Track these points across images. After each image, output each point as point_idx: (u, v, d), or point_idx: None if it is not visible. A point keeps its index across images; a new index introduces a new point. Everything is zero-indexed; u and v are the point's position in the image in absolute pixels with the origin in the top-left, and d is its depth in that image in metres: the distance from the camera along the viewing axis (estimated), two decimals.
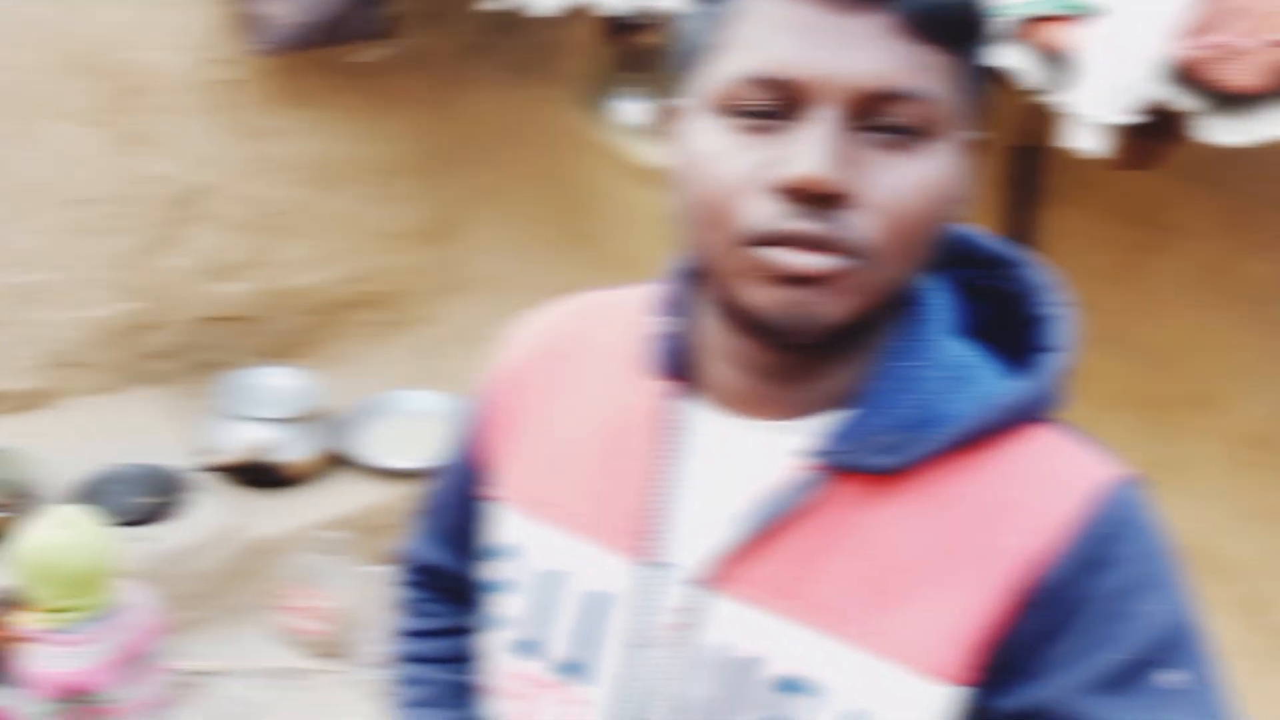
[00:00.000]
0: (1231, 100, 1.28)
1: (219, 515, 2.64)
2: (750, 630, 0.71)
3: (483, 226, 3.30)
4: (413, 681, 0.97)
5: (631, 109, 2.88)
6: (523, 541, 0.80)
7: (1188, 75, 1.28)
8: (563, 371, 0.83)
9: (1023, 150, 2.02)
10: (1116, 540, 0.67)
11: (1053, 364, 0.71)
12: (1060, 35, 1.38)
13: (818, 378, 0.71)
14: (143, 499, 2.62)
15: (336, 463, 2.87)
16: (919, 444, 0.68)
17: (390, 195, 3.18)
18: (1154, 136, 1.40)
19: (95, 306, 2.91)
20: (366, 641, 2.55)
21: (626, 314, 0.81)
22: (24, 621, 1.86)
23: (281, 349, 3.15)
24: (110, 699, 1.93)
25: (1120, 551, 0.66)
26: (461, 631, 0.94)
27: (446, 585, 0.96)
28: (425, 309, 3.35)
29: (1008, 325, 0.75)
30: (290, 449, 2.77)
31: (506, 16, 2.63)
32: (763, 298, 0.63)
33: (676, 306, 0.76)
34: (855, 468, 0.69)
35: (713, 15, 0.65)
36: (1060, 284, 0.74)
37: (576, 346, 0.84)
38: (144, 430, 2.84)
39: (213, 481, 2.72)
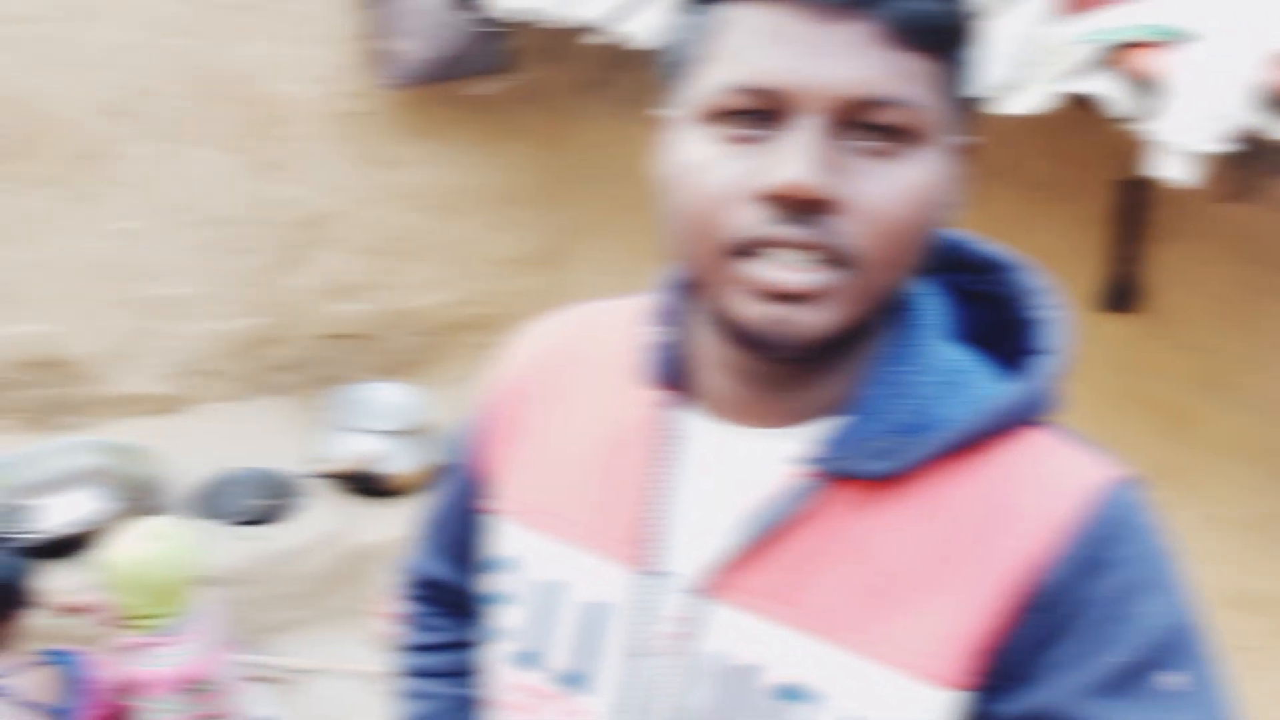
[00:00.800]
0: None
1: (326, 521, 2.76)
2: (749, 638, 0.70)
3: (590, 254, 3.39)
4: (417, 695, 0.97)
5: None
6: (522, 553, 0.80)
7: None
8: (560, 382, 0.83)
9: (1129, 184, 1.96)
10: (1114, 542, 0.65)
11: (1046, 366, 0.70)
12: (1151, 62, 1.35)
13: (811, 385, 0.70)
14: (257, 501, 2.77)
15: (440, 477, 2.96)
16: (913, 449, 0.67)
17: (504, 223, 3.31)
18: (1252, 166, 1.36)
19: (226, 320, 3.11)
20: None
21: (622, 324, 0.81)
22: (120, 632, 1.98)
23: (395, 366, 3.29)
24: (220, 685, 2.04)
25: (1118, 553, 0.65)
26: (464, 645, 0.95)
27: (449, 599, 0.97)
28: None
29: (1001, 329, 0.74)
30: (397, 461, 2.88)
31: (620, 53, 2.72)
32: (749, 312, 0.63)
33: (670, 316, 0.76)
34: (850, 474, 0.68)
35: (698, 26, 0.66)
36: (1052, 288, 0.73)
37: (573, 357, 0.84)
38: (263, 437, 3.00)
39: (323, 488, 2.86)
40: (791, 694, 0.69)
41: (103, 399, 3.03)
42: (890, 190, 0.62)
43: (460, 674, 0.95)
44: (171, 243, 2.99)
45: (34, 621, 1.86)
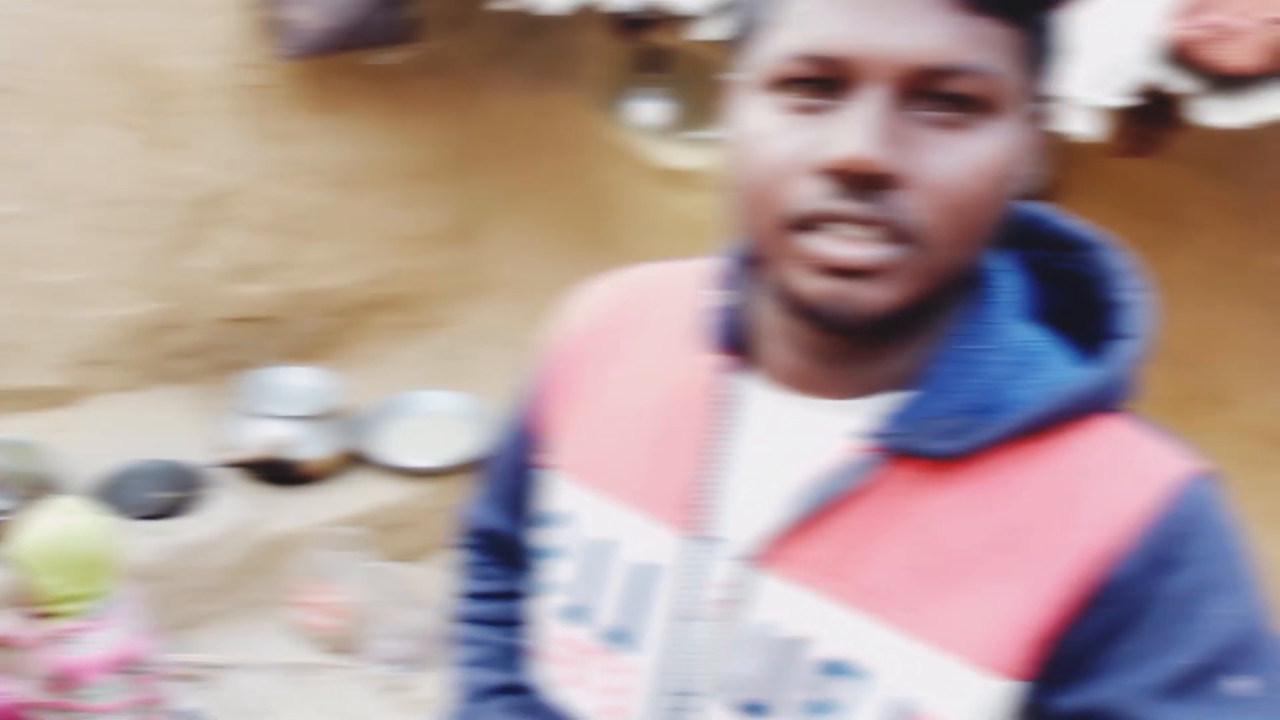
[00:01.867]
0: (1228, 81, 1.26)
1: (237, 511, 2.67)
2: (797, 611, 0.69)
3: (503, 230, 3.33)
4: (469, 642, 0.99)
5: (649, 110, 2.90)
6: (574, 509, 0.81)
7: (1182, 56, 1.27)
8: (621, 342, 0.82)
9: None
10: (1188, 539, 0.63)
11: (1126, 352, 0.67)
12: None
13: (875, 359, 0.69)
14: (162, 494, 2.66)
15: (354, 461, 2.90)
16: (980, 430, 0.65)
17: (412, 199, 3.23)
18: (1151, 121, 1.38)
19: (121, 306, 2.97)
20: (378, 638, 2.56)
21: (686, 286, 0.81)
22: (41, 620, 1.89)
23: (303, 349, 3.20)
24: (153, 666, 1.96)
25: (1191, 551, 0.63)
26: (516, 595, 0.95)
27: (503, 549, 0.97)
28: (445, 311, 3.38)
29: (1082, 310, 0.72)
30: (309, 447, 2.80)
31: (527, 21, 2.66)
32: (808, 287, 0.62)
33: (734, 281, 0.75)
34: (912, 452, 0.67)
35: None
36: (1137, 269, 0.71)
37: (636, 317, 0.83)
38: (166, 427, 2.88)
39: (232, 478, 2.76)
40: (838, 669, 0.68)
41: None
42: (958, 164, 0.59)
43: (511, 623, 0.95)
44: (59, 226, 2.84)
45: None
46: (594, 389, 0.82)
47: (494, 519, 0.98)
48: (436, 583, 2.82)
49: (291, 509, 2.74)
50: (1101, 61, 1.29)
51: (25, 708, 1.76)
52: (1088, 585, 0.63)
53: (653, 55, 2.83)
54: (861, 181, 0.59)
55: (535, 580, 0.86)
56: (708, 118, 2.79)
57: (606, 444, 0.80)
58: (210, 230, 3.02)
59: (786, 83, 0.61)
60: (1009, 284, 0.71)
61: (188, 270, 3.02)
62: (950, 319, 0.69)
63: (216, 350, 3.12)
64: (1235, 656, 0.63)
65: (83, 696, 1.82)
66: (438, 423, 3.06)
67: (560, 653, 0.82)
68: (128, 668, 1.88)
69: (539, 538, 0.85)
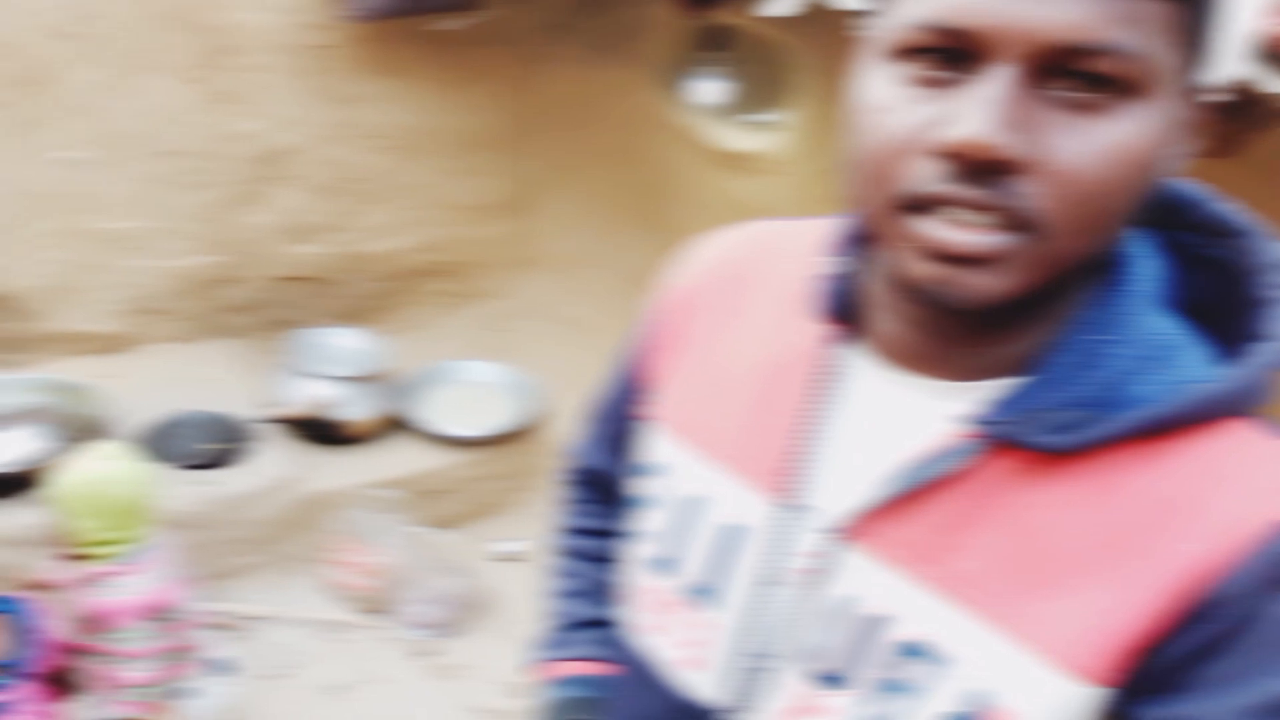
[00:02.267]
0: None
1: (278, 466, 2.70)
2: (882, 589, 0.68)
3: (556, 203, 3.32)
4: (565, 574, 1.02)
5: (709, 90, 2.87)
6: (671, 462, 0.80)
7: (1276, 54, 1.22)
8: (731, 299, 0.81)
9: None
10: None
11: (1266, 355, 0.63)
12: None
13: (989, 343, 0.66)
14: (207, 445, 2.70)
15: (395, 425, 2.92)
16: (1096, 425, 0.62)
17: (467, 168, 3.22)
18: (1238, 120, 1.33)
19: (177, 257, 3.00)
20: (409, 601, 2.58)
21: (801, 249, 0.78)
22: (78, 563, 1.92)
23: (352, 311, 3.22)
24: (184, 614, 1.99)
25: None
26: (614, 533, 0.96)
27: (604, 489, 0.99)
28: (494, 282, 3.39)
29: (1228, 304, 0.67)
30: (352, 408, 2.82)
31: None
32: (916, 270, 0.59)
33: (848, 249, 0.73)
34: (1020, 443, 0.64)
35: None
36: None
37: (748, 276, 0.81)
38: (214, 379, 2.92)
39: (276, 433, 2.79)
40: (917, 652, 0.67)
41: (46, 336, 2.92)
42: (1089, 151, 0.55)
43: (606, 559, 0.98)
44: (120, 174, 2.88)
45: None
46: (700, 344, 0.81)
47: (597, 459, 0.99)
48: (470, 550, 2.83)
49: (332, 468, 2.76)
50: None
51: (65, 647, 1.79)
52: (1189, 599, 0.60)
53: (715, 34, 2.79)
54: (980, 166, 0.55)
55: (629, 525, 0.87)
56: (768, 100, 2.76)
57: (707, 401, 0.79)
58: (267, 187, 3.04)
59: (912, 52, 0.58)
60: (1147, 270, 0.66)
61: (243, 226, 3.05)
62: (1076, 305, 0.65)
63: (268, 306, 3.15)
64: None
65: (113, 640, 1.84)
66: (480, 393, 3.07)
67: (646, 600, 0.83)
68: (159, 614, 1.90)
69: (636, 486, 0.85)
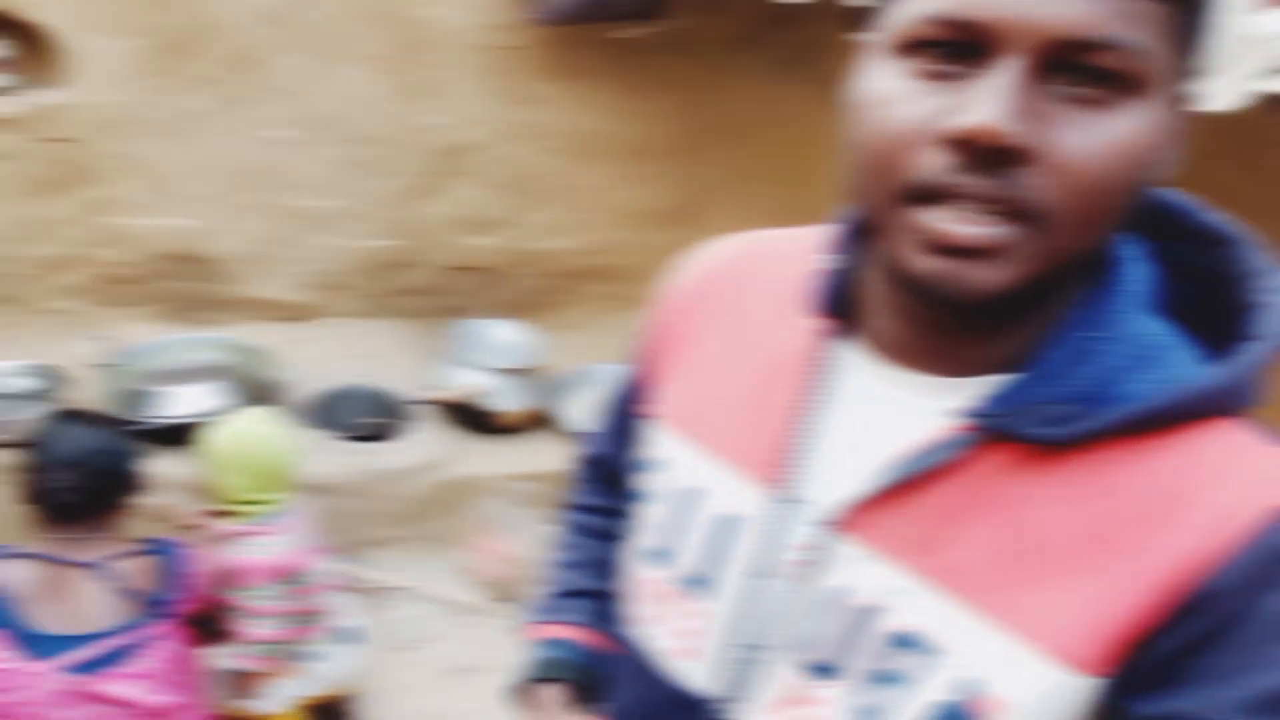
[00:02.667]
0: None
1: (429, 447, 2.81)
2: (874, 579, 0.69)
3: (725, 215, 3.31)
4: (568, 546, 1.06)
5: None
6: (671, 457, 0.82)
7: None
8: (729, 300, 0.83)
9: None
10: None
11: (1253, 354, 0.64)
12: None
13: (984, 339, 0.67)
14: (368, 419, 2.84)
15: (543, 420, 2.98)
16: (1088, 419, 0.63)
17: (639, 174, 3.26)
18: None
19: (361, 238, 3.17)
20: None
21: (798, 252, 0.80)
22: (221, 518, 2.05)
23: (516, 305, 3.31)
24: (315, 579, 2.10)
25: None
26: (617, 513, 1.00)
27: (610, 474, 1.03)
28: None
29: (1218, 310, 0.68)
30: (504, 399, 2.90)
31: (773, 9, 2.61)
32: (919, 263, 0.60)
33: (845, 247, 0.74)
34: (1013, 435, 0.65)
35: None
36: (1277, 267, 0.68)
37: (745, 277, 0.84)
38: (383, 357, 3.06)
39: (430, 416, 2.90)
40: (908, 642, 0.68)
41: (238, 300, 3.15)
42: (1092, 144, 0.56)
43: (606, 536, 1.01)
44: (316, 156, 3.06)
45: (141, 508, 1.93)
46: (700, 343, 0.83)
47: (605, 448, 1.03)
48: None
49: (479, 455, 2.85)
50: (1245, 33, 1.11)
51: (207, 595, 1.91)
52: (1180, 591, 0.61)
53: None
54: (989, 155, 0.56)
55: (630, 520, 0.89)
56: None
57: (706, 397, 0.81)
58: (447, 179, 3.17)
59: (920, 46, 0.58)
60: (1138, 274, 0.67)
61: (423, 214, 3.18)
62: (1069, 304, 0.66)
63: (438, 293, 3.28)
64: None
65: (244, 596, 1.95)
66: None
67: (643, 591, 0.84)
68: (289, 577, 2.00)
69: (638, 482, 0.87)
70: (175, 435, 2.52)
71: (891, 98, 0.59)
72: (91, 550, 1.77)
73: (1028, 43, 0.55)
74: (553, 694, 0.97)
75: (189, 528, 2.07)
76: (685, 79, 3.14)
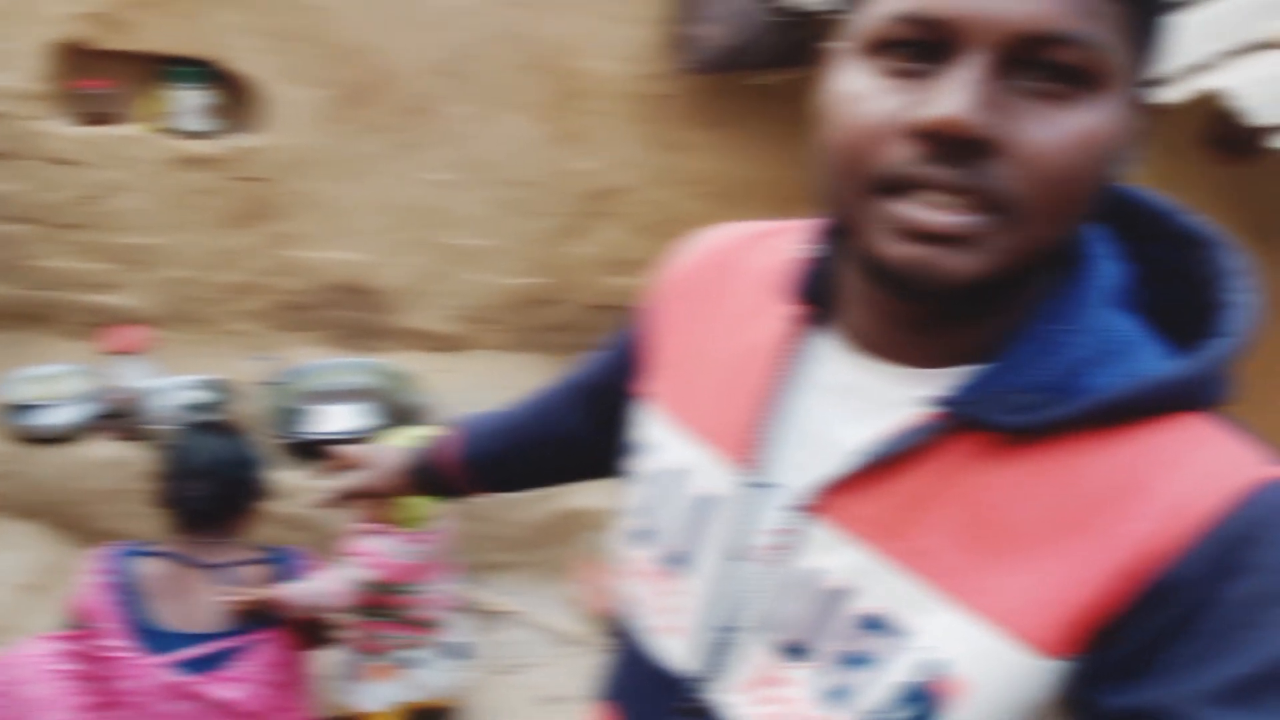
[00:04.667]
0: None
1: None
2: (844, 562, 0.70)
3: None
4: (514, 411, 1.22)
5: None
6: (659, 439, 0.85)
7: None
8: (715, 288, 0.86)
9: None
10: (1255, 545, 0.61)
11: (1217, 350, 0.65)
12: None
13: (953, 331, 0.68)
14: None
15: None
16: (1053, 409, 0.64)
17: (780, 218, 3.25)
18: None
19: (511, 275, 3.33)
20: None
21: (783, 242, 0.83)
22: (371, 513, 2.19)
23: None
24: (416, 590, 2.21)
25: (1258, 558, 0.60)
26: (567, 426, 1.13)
27: (588, 395, 1.11)
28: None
29: (1191, 310, 0.69)
30: None
31: None
32: (891, 251, 0.61)
33: (826, 238, 0.76)
34: (981, 423, 0.66)
35: None
36: (1249, 268, 0.68)
37: (731, 266, 0.86)
38: (523, 388, 3.16)
39: None
40: (876, 624, 0.69)
41: (396, 329, 3.37)
42: (1057, 136, 0.58)
43: (540, 419, 1.18)
44: (475, 197, 3.25)
45: (265, 517, 2.05)
46: (687, 329, 0.86)
47: (592, 373, 1.10)
48: None
49: (598, 489, 2.88)
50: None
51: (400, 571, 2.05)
52: (1142, 579, 0.62)
53: None
54: (956, 146, 0.57)
55: (622, 500, 0.94)
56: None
57: (691, 381, 0.83)
58: (595, 221, 3.28)
59: (886, 46, 0.60)
60: (1108, 270, 0.68)
61: (569, 254, 3.31)
62: (1037, 298, 0.67)
63: (579, 330, 3.39)
64: None
65: (397, 592, 2.07)
66: None
67: (629, 571, 0.86)
68: (421, 586, 2.11)
69: (629, 463, 0.90)
70: (326, 450, 2.73)
71: (860, 95, 0.61)
72: (216, 554, 1.88)
73: (991, 38, 0.56)
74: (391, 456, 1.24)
75: (336, 536, 2.21)
76: None
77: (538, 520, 2.83)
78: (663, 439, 0.84)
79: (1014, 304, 0.66)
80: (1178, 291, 0.70)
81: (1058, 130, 0.57)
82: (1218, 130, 1.75)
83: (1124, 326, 0.67)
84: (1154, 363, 0.66)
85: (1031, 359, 0.65)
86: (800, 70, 2.96)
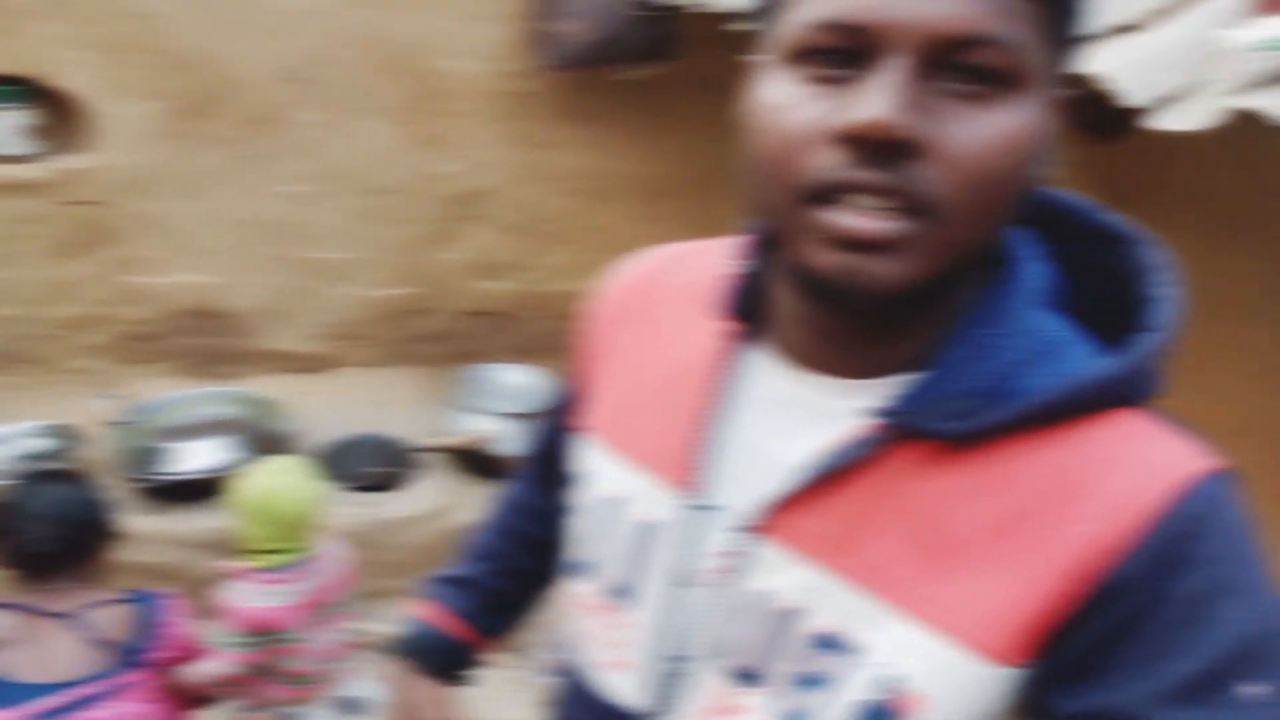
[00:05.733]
0: None
1: (435, 495, 2.77)
2: (794, 582, 0.70)
3: None
4: (481, 537, 1.15)
5: None
6: (597, 469, 0.84)
7: None
8: (645, 310, 0.85)
9: None
10: (1197, 539, 0.61)
11: (1146, 344, 0.65)
12: None
13: (886, 341, 0.68)
14: (376, 468, 2.82)
15: None
16: (989, 413, 0.64)
17: (655, 214, 3.22)
18: None
19: (376, 287, 3.19)
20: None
21: (711, 260, 0.82)
22: (234, 561, 2.05)
23: (531, 349, 3.28)
24: (295, 639, 2.07)
25: (1202, 551, 0.61)
26: (536, 512, 1.08)
27: (543, 476, 1.08)
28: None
29: (1113, 305, 0.70)
30: (512, 444, 2.86)
31: None
32: (822, 260, 0.61)
33: (754, 253, 0.75)
34: (920, 432, 0.66)
35: None
36: (1171, 263, 0.69)
37: (660, 288, 0.86)
38: (394, 405, 3.06)
39: (438, 463, 2.87)
40: (829, 643, 0.68)
41: (255, 353, 3.18)
42: (980, 137, 0.58)
43: (516, 533, 1.11)
44: (332, 208, 3.10)
45: (116, 558, 1.93)
46: (621, 354, 0.85)
47: (539, 450, 1.08)
48: None
49: (486, 501, 2.80)
50: None
51: (187, 646, 1.90)
52: (1089, 580, 0.62)
53: None
54: (881, 149, 0.57)
55: (553, 524, 0.94)
56: None
57: (627, 407, 0.82)
58: (461, 226, 3.18)
59: (808, 54, 0.60)
60: (1035, 271, 0.69)
61: (437, 261, 3.19)
62: (967, 303, 0.67)
63: (453, 339, 3.28)
64: (1247, 661, 0.61)
65: (280, 641, 1.94)
66: None
67: (574, 606, 0.85)
68: (281, 632, 1.97)
69: (569, 495, 0.89)
70: (187, 490, 2.54)
71: (784, 104, 0.61)
72: (67, 600, 1.77)
73: (910, 41, 0.57)
74: (408, 670, 1.11)
75: (205, 580, 2.06)
76: (697, 119, 3.11)
77: (425, 542, 2.71)
78: (599, 467, 0.83)
79: (944, 310, 0.67)
80: (1101, 289, 0.71)
81: (980, 130, 0.58)
82: (1089, 112, 1.80)
83: (1053, 327, 0.68)
84: (1085, 361, 0.66)
85: (964, 364, 0.66)
86: (665, 64, 2.93)
